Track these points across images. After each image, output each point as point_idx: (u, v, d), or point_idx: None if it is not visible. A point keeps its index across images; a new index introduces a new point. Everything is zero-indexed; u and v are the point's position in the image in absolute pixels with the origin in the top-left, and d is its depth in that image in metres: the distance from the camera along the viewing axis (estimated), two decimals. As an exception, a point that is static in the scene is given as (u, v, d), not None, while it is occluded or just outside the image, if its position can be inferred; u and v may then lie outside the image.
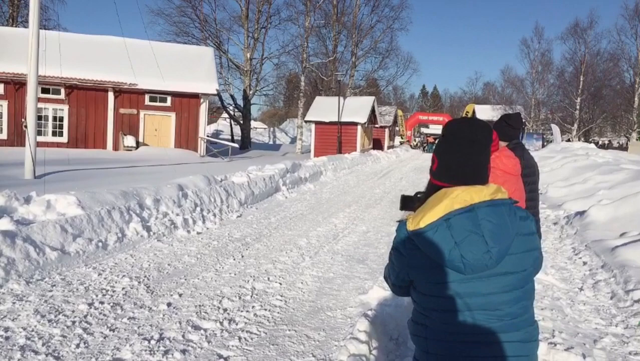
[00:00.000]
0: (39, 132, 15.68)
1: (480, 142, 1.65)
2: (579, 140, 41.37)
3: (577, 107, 43.74)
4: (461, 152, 1.63)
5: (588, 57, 43.83)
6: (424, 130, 63.69)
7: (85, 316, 4.11)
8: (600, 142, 52.64)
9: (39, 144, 13.16)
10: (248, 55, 36.57)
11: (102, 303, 4.44)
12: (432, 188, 1.69)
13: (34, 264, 5.17)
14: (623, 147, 39.98)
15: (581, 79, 43.03)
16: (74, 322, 3.98)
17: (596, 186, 11.35)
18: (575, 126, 44.25)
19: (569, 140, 42.01)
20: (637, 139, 40.41)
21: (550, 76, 48.17)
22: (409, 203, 1.90)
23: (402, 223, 1.66)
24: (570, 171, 15.19)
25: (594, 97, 43.36)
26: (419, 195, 1.86)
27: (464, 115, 56.88)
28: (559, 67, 47.89)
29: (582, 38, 44.46)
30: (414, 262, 1.61)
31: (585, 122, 44.85)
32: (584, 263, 6.28)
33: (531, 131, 43.32)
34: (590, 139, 47.62)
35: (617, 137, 60.37)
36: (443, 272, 1.56)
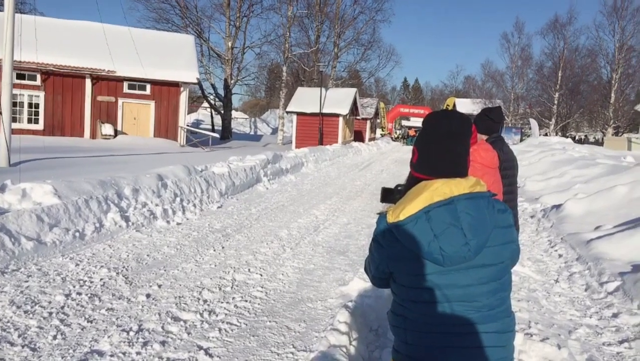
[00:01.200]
0: (13, 119, 15.31)
1: (459, 135, 1.67)
2: (556, 135, 42.06)
3: (555, 102, 44.37)
4: (440, 144, 1.65)
5: (567, 53, 44.40)
6: (405, 123, 63.96)
7: (62, 308, 4.05)
8: (577, 137, 53.55)
9: (13, 132, 12.86)
10: (229, 44, 36.17)
11: (79, 294, 4.37)
12: (413, 180, 1.70)
13: (9, 254, 5.06)
14: (599, 143, 40.75)
15: (559, 74, 43.61)
16: (50, 313, 3.92)
17: (572, 180, 11.57)
18: (553, 120, 44.91)
19: (546, 134, 42.69)
20: (612, 135, 41.23)
21: (529, 70, 48.82)
22: (390, 195, 1.93)
23: (382, 215, 1.67)
24: (547, 165, 15.45)
25: (571, 93, 44.03)
26: (399, 187, 1.88)
27: (444, 108, 57.33)
28: (538, 62, 48.50)
29: (562, 34, 44.99)
30: (393, 254, 1.62)
31: (562, 117, 45.55)
32: (560, 256, 6.40)
33: (510, 125, 43.86)
34: (568, 134, 48.45)
35: (593, 133, 61.56)
36: (422, 264, 1.58)
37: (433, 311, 1.59)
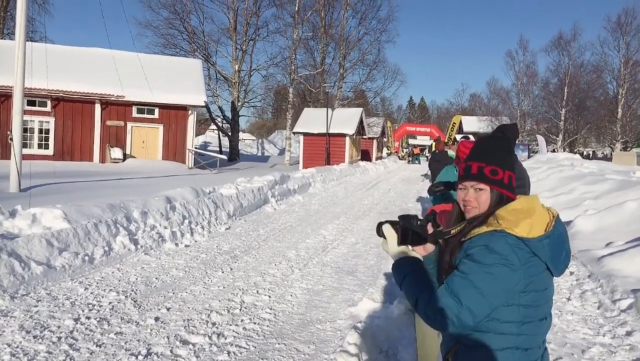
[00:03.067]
0: (24, 145, 15.53)
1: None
2: (564, 151, 41.88)
3: (562, 118, 44.31)
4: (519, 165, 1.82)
5: (572, 69, 44.49)
6: (411, 141, 64.05)
7: (71, 332, 4.05)
8: (585, 153, 53.30)
9: (24, 157, 13.02)
10: (236, 67, 36.64)
11: (88, 318, 4.38)
12: (505, 201, 1.67)
13: (19, 279, 5.09)
14: (607, 158, 40.52)
15: (565, 90, 43.63)
16: (59, 338, 3.92)
17: (582, 197, 11.47)
18: (560, 136, 44.79)
19: (554, 151, 42.51)
20: (621, 150, 40.99)
21: (535, 87, 48.89)
22: (409, 235, 1.73)
23: (496, 233, 1.57)
24: (556, 181, 15.35)
25: (578, 109, 43.96)
26: (415, 221, 1.76)
27: (450, 126, 57.41)
28: (543, 78, 48.62)
29: (566, 50, 45.17)
30: (531, 271, 1.58)
31: (570, 133, 45.42)
32: (571, 273, 6.33)
33: (517, 142, 43.67)
34: (575, 150, 48.21)
35: (601, 148, 61.22)
36: (546, 277, 1.64)
37: (542, 327, 1.66)
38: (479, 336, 1.61)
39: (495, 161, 1.68)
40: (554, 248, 1.61)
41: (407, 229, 1.73)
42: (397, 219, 1.79)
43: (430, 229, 1.77)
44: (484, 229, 1.60)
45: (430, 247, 1.80)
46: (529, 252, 1.56)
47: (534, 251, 1.57)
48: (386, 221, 1.81)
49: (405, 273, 1.70)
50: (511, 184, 1.68)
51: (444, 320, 1.54)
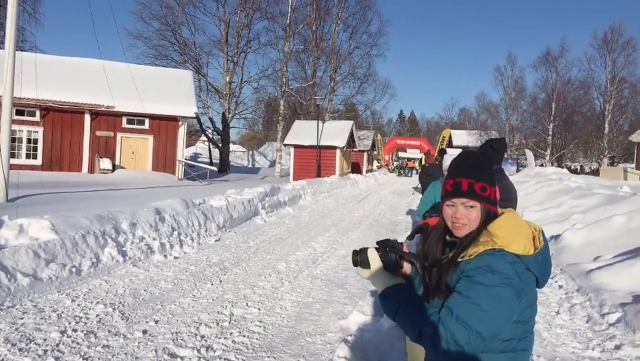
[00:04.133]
0: (12, 155, 15.37)
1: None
2: (552, 165, 42.28)
3: (550, 133, 44.80)
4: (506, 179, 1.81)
5: (559, 85, 45.08)
6: (401, 154, 64.38)
7: (57, 345, 3.99)
8: (572, 167, 53.82)
9: (12, 167, 12.90)
10: (227, 79, 36.69)
11: (75, 330, 4.31)
12: (491, 218, 1.69)
13: (4, 291, 5.01)
14: (595, 173, 40.97)
15: (553, 105, 44.16)
16: (45, 351, 3.86)
17: (570, 211, 11.57)
18: (548, 151, 45.25)
19: (542, 165, 42.91)
20: (608, 165, 41.48)
21: (523, 102, 49.41)
22: (393, 261, 1.71)
23: (495, 253, 1.55)
24: (544, 195, 15.47)
25: (565, 124, 44.49)
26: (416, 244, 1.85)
27: (440, 140, 57.82)
28: (531, 94, 49.16)
29: (554, 66, 45.78)
30: (527, 287, 1.59)
31: (557, 147, 45.91)
32: (560, 287, 6.36)
33: (506, 156, 44.09)
34: (563, 164, 48.63)
35: (589, 163, 61.89)
36: (535, 292, 1.66)
37: (533, 341, 1.69)
38: (480, 357, 1.58)
39: (484, 177, 1.69)
40: (545, 262, 1.65)
41: (391, 255, 1.70)
42: (376, 245, 1.74)
43: (406, 249, 1.77)
44: (480, 248, 1.57)
45: (408, 267, 1.79)
46: (525, 268, 1.57)
47: (528, 267, 1.58)
48: (362, 248, 1.75)
49: (397, 303, 1.63)
50: (496, 200, 1.72)
51: (455, 349, 1.49)
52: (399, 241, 1.78)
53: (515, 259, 1.55)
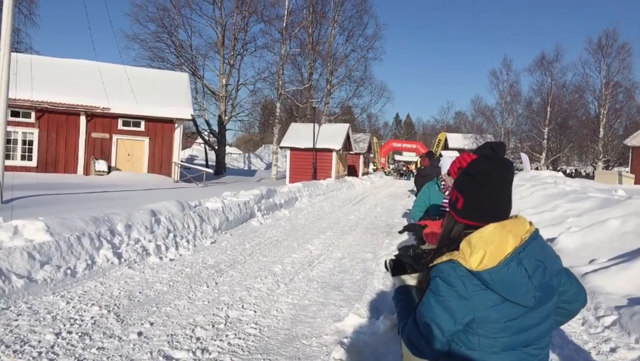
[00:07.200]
0: (7, 156, 15.31)
1: (510, 180, 1.69)
2: (547, 168, 42.45)
3: (545, 136, 44.99)
4: (494, 190, 1.64)
5: (554, 89, 45.32)
6: (397, 157, 64.48)
7: (52, 347, 3.97)
8: (567, 171, 54.04)
9: (7, 168, 12.83)
10: (224, 82, 36.68)
11: (70, 332, 4.29)
12: (457, 227, 1.68)
13: (-2, 293, 4.98)
14: (590, 176, 41.14)
15: (548, 109, 44.38)
16: (40, 353, 3.83)
17: (565, 214, 11.60)
18: (544, 155, 45.43)
19: (537, 168, 43.06)
20: (603, 168, 41.66)
21: (518, 106, 49.72)
22: (402, 267, 1.88)
23: (449, 264, 1.58)
24: (539, 198, 15.51)
25: (561, 128, 44.71)
26: (412, 252, 1.92)
27: (436, 143, 57.94)
28: (527, 98, 49.47)
29: (549, 70, 46.04)
30: (481, 303, 1.54)
31: (553, 151, 46.10)
32: (555, 290, 6.37)
33: (503, 158, 44.04)
34: (558, 168, 48.88)
35: (584, 166, 62.19)
36: (509, 309, 1.55)
37: (516, 357, 1.58)
38: None
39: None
40: (511, 281, 1.53)
41: (399, 261, 1.87)
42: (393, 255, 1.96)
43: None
44: (443, 258, 1.60)
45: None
46: (477, 284, 1.54)
47: (485, 284, 1.53)
48: (389, 259, 1.98)
49: (397, 302, 1.83)
50: (457, 207, 1.70)
51: (414, 345, 1.64)
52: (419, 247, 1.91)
53: (466, 273, 1.55)
